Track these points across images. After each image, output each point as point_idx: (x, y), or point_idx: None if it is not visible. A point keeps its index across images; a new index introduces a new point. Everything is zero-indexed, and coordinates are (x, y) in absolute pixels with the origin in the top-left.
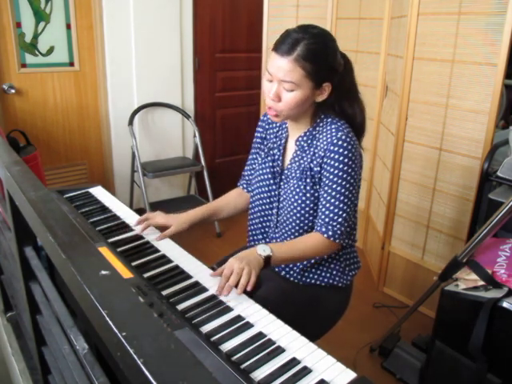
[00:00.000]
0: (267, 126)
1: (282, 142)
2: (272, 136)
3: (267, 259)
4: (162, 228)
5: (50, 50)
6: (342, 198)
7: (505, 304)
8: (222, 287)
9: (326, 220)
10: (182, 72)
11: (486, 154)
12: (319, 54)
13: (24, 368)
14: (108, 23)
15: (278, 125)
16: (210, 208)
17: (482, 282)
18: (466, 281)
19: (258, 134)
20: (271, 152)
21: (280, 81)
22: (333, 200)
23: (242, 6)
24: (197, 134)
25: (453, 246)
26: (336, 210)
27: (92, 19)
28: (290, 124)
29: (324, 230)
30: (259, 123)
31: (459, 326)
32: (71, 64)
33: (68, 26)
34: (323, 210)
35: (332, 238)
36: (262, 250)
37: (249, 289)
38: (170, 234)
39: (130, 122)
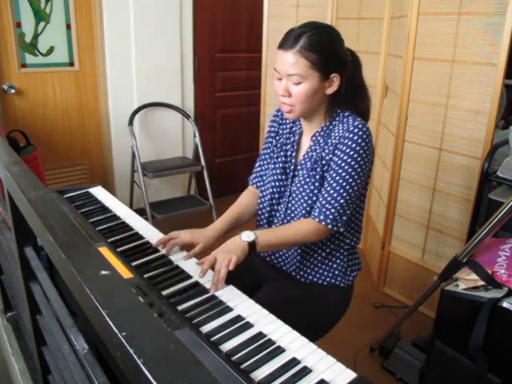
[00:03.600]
0: (280, 121)
1: (296, 138)
2: (286, 132)
3: (252, 245)
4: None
5: (50, 50)
6: (344, 184)
7: (505, 304)
8: (205, 270)
9: (323, 203)
10: (182, 72)
11: (486, 154)
12: (322, 43)
13: (24, 368)
14: (108, 23)
15: (291, 120)
16: (233, 217)
17: (481, 282)
18: (466, 281)
19: (272, 129)
20: (284, 148)
21: (287, 75)
22: (335, 185)
23: (241, 6)
24: (197, 134)
25: (453, 245)
26: (335, 195)
27: (92, 19)
28: (304, 121)
29: (316, 214)
30: (272, 118)
31: (459, 326)
32: (71, 64)
33: (68, 26)
34: (323, 192)
35: (323, 223)
36: (246, 236)
37: (230, 268)
38: (199, 251)
39: (130, 122)
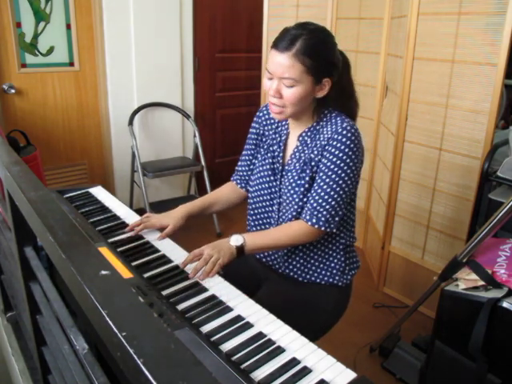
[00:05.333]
0: (264, 122)
1: (283, 138)
2: (271, 132)
3: (240, 249)
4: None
5: (50, 50)
6: (334, 186)
7: (505, 304)
8: (187, 261)
9: (314, 205)
10: (182, 72)
11: (486, 154)
12: (318, 48)
13: (24, 368)
14: (108, 23)
15: (276, 121)
16: (205, 201)
17: (482, 282)
18: (466, 281)
19: (254, 130)
20: (271, 149)
21: (280, 78)
22: (325, 187)
23: (242, 6)
24: (197, 134)
25: (453, 246)
26: (326, 197)
27: (92, 19)
28: (292, 121)
29: (308, 217)
30: (255, 119)
31: (459, 326)
32: (71, 64)
33: (68, 26)
34: (314, 194)
35: (316, 226)
36: (235, 239)
37: (210, 276)
38: (170, 232)
39: (130, 122)
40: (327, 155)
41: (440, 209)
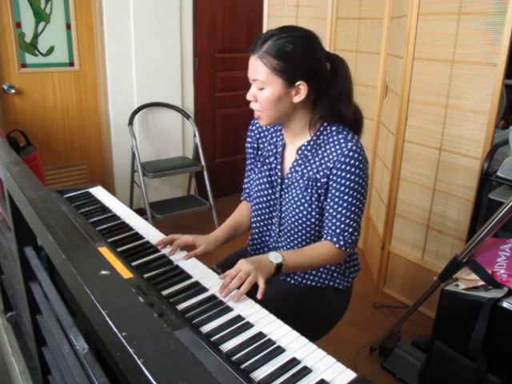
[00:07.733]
0: (258, 135)
1: (279, 150)
2: (266, 144)
3: (278, 267)
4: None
5: (50, 50)
6: (353, 208)
7: (505, 304)
8: (225, 285)
9: (337, 231)
10: (182, 72)
11: (486, 154)
12: (286, 49)
13: (24, 368)
14: (108, 23)
15: (270, 132)
16: (232, 226)
17: (482, 282)
18: (466, 281)
19: (249, 145)
20: (267, 161)
21: (252, 80)
22: (344, 211)
23: (242, 6)
24: (197, 134)
25: (453, 246)
26: (347, 221)
27: (92, 19)
28: (287, 133)
29: (335, 239)
30: (248, 133)
31: (459, 326)
32: (71, 64)
33: (68, 26)
34: (333, 220)
35: (343, 248)
36: (274, 257)
37: (259, 297)
38: (199, 253)
39: (130, 122)
40: (338, 180)
41: (440, 209)
